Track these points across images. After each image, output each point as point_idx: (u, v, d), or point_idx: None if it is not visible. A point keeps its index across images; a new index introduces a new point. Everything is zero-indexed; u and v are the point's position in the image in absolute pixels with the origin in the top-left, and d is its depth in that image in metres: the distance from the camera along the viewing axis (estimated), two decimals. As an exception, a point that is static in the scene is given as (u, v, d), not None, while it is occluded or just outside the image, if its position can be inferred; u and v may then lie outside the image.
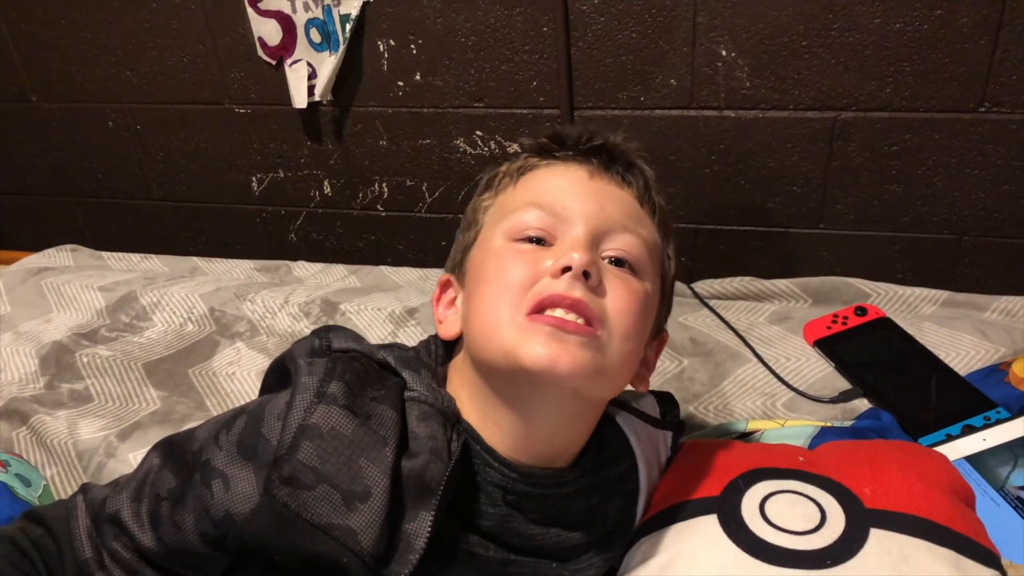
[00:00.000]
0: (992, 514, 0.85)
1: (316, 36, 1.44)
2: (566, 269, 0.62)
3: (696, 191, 1.39)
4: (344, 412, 0.61)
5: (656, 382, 1.13)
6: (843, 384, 1.09)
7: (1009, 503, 0.86)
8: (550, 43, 1.34)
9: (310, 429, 0.59)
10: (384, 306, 1.38)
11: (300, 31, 1.44)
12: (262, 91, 1.54)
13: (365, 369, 0.65)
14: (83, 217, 1.83)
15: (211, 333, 1.36)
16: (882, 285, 1.28)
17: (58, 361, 1.29)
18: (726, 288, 1.34)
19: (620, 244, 0.67)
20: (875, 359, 1.11)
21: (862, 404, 1.05)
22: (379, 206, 1.61)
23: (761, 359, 1.16)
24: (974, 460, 0.92)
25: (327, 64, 1.45)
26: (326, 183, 1.61)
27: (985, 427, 0.95)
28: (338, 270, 1.57)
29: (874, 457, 0.76)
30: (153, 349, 1.33)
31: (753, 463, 0.77)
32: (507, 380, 0.65)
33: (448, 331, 0.72)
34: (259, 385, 0.77)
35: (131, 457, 1.06)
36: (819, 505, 0.70)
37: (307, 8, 1.42)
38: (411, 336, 1.31)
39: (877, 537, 0.66)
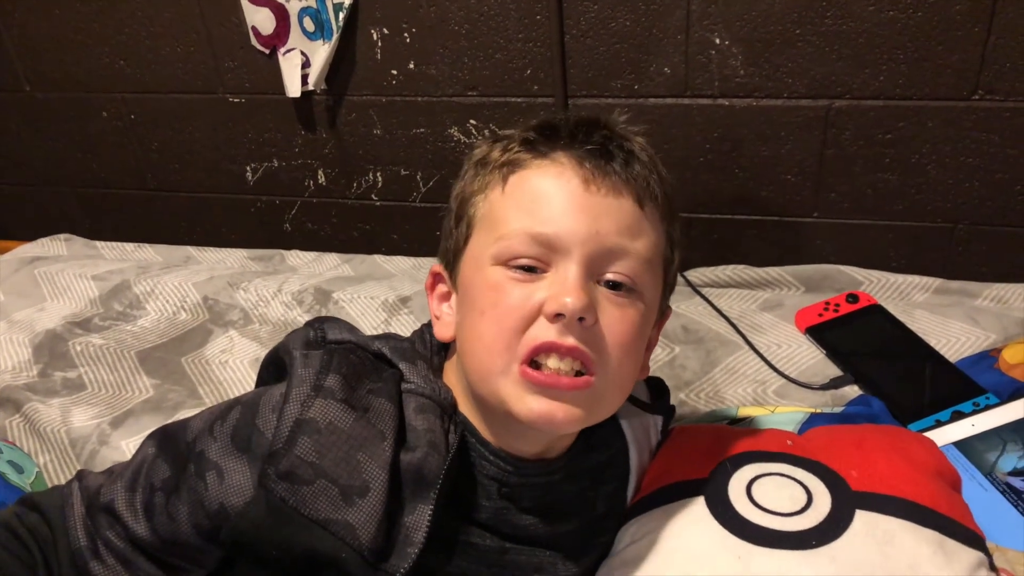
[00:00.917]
0: (980, 499, 0.85)
1: (310, 25, 1.43)
2: (560, 314, 0.60)
3: (690, 180, 1.39)
4: (342, 406, 0.61)
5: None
6: (834, 371, 1.10)
7: (997, 488, 0.86)
8: (544, 31, 1.34)
9: (308, 424, 0.59)
10: (377, 295, 1.38)
11: (293, 20, 1.44)
12: (256, 80, 1.54)
13: (361, 361, 0.65)
14: (77, 206, 1.83)
15: (204, 321, 1.36)
16: (874, 273, 1.29)
17: (51, 350, 1.29)
18: (719, 276, 1.35)
19: (617, 268, 0.63)
20: (866, 346, 1.11)
21: (852, 391, 1.05)
22: (373, 195, 1.60)
23: (752, 346, 1.16)
24: (963, 446, 0.92)
25: (321, 53, 1.45)
26: (320, 172, 1.61)
27: (974, 413, 0.95)
28: (331, 259, 1.57)
29: (861, 441, 0.76)
30: (146, 337, 1.33)
31: (741, 447, 0.77)
32: (502, 416, 0.64)
33: (443, 333, 0.70)
34: (252, 373, 0.76)
35: (124, 445, 1.07)
36: (805, 487, 0.70)
37: (300, -4, 1.42)
38: (404, 324, 1.31)
39: (862, 518, 0.66)
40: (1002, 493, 0.85)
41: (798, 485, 0.70)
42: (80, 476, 0.69)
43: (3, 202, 1.89)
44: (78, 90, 1.66)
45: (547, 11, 1.31)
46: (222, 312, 1.38)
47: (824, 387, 1.06)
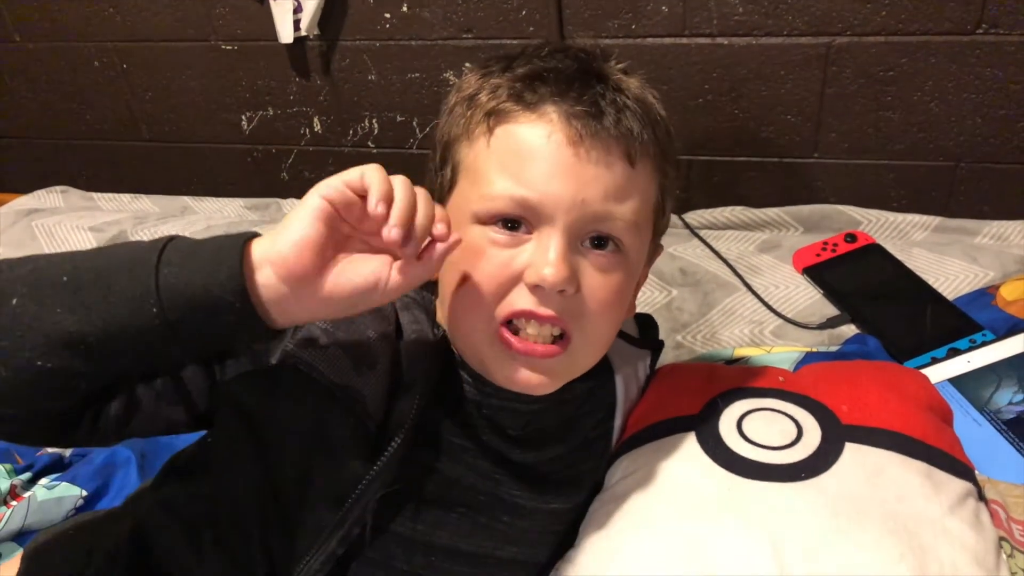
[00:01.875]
0: (974, 434, 0.85)
1: (300, -33, 1.41)
2: (540, 285, 0.59)
3: (689, 121, 1.37)
4: None
5: (644, 311, 1.13)
6: (831, 311, 1.09)
7: (991, 423, 0.86)
8: (538, -31, 1.31)
9: None
10: (375, 242, 1.37)
11: (283, -38, 1.41)
12: (248, 27, 1.52)
13: None
14: (73, 158, 1.82)
15: (202, 271, 1.36)
16: (873, 212, 1.27)
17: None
18: (717, 218, 1.34)
19: (603, 228, 0.62)
20: (863, 285, 1.11)
21: (849, 330, 1.05)
22: (370, 143, 1.59)
23: (750, 287, 1.16)
24: (958, 382, 0.92)
25: (312, -4, 1.42)
26: (316, 120, 1.59)
27: (970, 350, 0.95)
28: (328, 207, 1.56)
29: (853, 376, 0.76)
30: (145, 287, 1.33)
31: (733, 383, 0.77)
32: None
33: None
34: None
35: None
36: (796, 421, 0.70)
37: (290, -62, 1.39)
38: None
39: (851, 451, 0.66)
40: (996, 428, 0.86)
41: (788, 419, 0.70)
42: None
43: (-1, 154, 1.88)
44: (68, 39, 1.63)
45: (541, -51, 1.28)
46: (220, 261, 1.37)
47: (821, 327, 1.06)
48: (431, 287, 0.69)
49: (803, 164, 1.36)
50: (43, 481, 0.93)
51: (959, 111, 1.25)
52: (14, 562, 0.77)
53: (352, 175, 0.52)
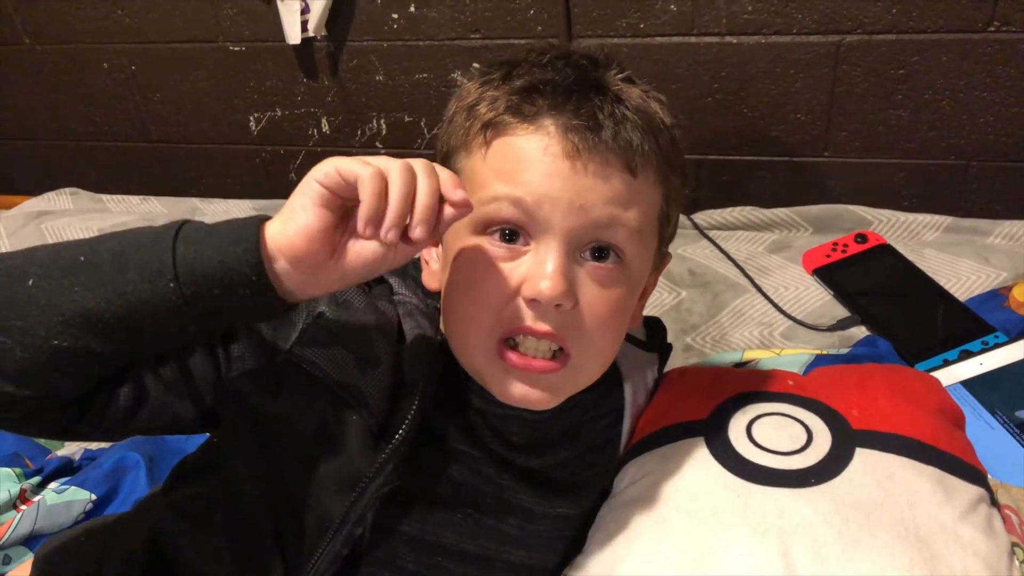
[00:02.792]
0: (987, 437, 0.85)
1: (307, -32, 1.41)
2: (537, 300, 0.59)
3: (698, 121, 1.36)
4: (357, 289, 0.65)
5: (653, 313, 1.12)
6: (842, 312, 1.09)
7: (1004, 426, 0.85)
8: (546, -31, 1.31)
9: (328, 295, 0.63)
10: (382, 243, 1.37)
11: (291, -37, 1.41)
12: (255, 28, 1.52)
13: None
14: (82, 160, 1.82)
15: (211, 273, 1.36)
16: (884, 212, 1.26)
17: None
18: (726, 218, 1.33)
19: (604, 237, 0.61)
20: (874, 286, 1.10)
21: (860, 332, 1.04)
22: (378, 143, 1.59)
23: (759, 289, 1.15)
24: (970, 384, 0.91)
25: (319, -3, 1.42)
26: (324, 121, 1.59)
27: (983, 352, 0.94)
28: (336, 208, 1.57)
29: (863, 380, 0.75)
30: (154, 289, 1.33)
31: (742, 387, 0.76)
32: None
33: (430, 283, 0.70)
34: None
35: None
36: (806, 426, 0.70)
37: (297, -61, 1.39)
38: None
39: (862, 456, 0.66)
40: (1008, 431, 0.85)
41: (798, 424, 0.70)
42: None
43: (7, 157, 1.89)
44: (77, 41, 1.64)
45: (549, -52, 1.28)
46: (228, 263, 1.38)
47: (831, 328, 1.06)
48: (435, 296, 0.69)
49: (813, 163, 1.36)
50: (53, 485, 0.93)
51: (971, 109, 1.24)
52: (25, 567, 0.77)
53: (347, 170, 0.51)
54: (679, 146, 0.67)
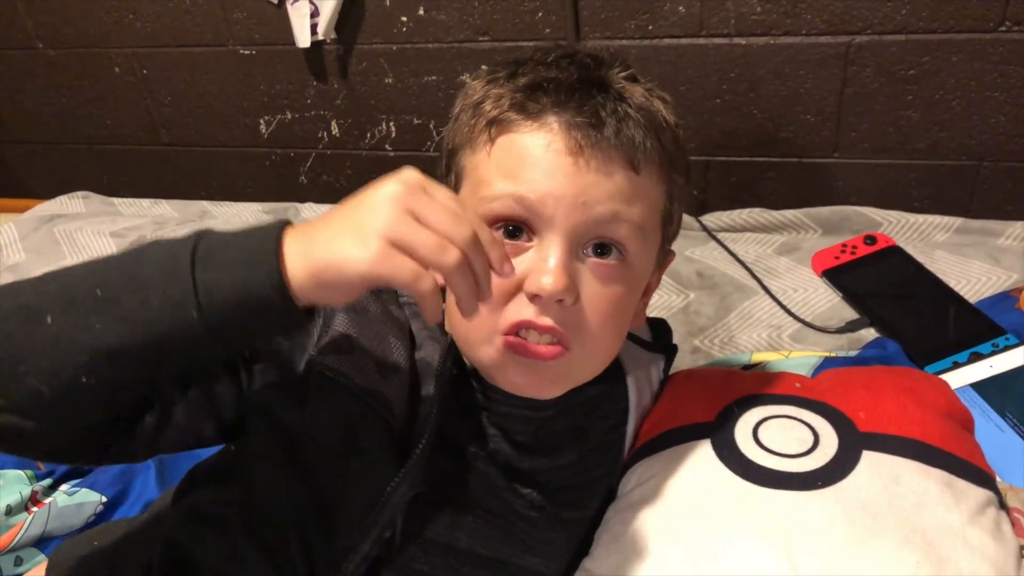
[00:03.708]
0: (996, 440, 0.84)
1: (316, -28, 1.41)
2: (538, 295, 0.60)
3: (707, 122, 1.36)
4: (371, 295, 0.67)
5: (661, 315, 1.12)
6: (851, 314, 1.08)
7: (1013, 429, 0.85)
8: (554, -29, 1.31)
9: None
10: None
11: (300, -33, 1.42)
12: (265, 31, 1.53)
13: None
14: (93, 163, 1.84)
15: (221, 275, 1.37)
16: (893, 213, 1.26)
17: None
18: (735, 220, 1.32)
19: (606, 233, 0.62)
20: (883, 288, 1.10)
21: (869, 334, 1.04)
22: (387, 146, 1.59)
23: (768, 291, 1.15)
24: (980, 387, 0.91)
25: (329, 1, 1.42)
26: (333, 123, 1.60)
27: (993, 354, 0.94)
28: (346, 211, 1.57)
29: (870, 382, 0.75)
30: (165, 292, 1.34)
31: (749, 389, 0.76)
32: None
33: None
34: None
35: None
36: (812, 429, 0.69)
37: (306, -57, 1.39)
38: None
39: (869, 459, 0.65)
40: (1018, 434, 0.84)
41: (805, 427, 0.70)
42: None
43: (20, 160, 1.91)
44: (89, 46, 1.65)
45: (557, -50, 1.28)
46: (238, 265, 1.38)
47: (840, 330, 1.05)
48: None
49: (823, 164, 1.35)
50: (63, 487, 0.93)
51: (982, 109, 1.23)
52: (39, 569, 0.78)
53: (426, 256, 0.49)
54: (682, 144, 0.68)
